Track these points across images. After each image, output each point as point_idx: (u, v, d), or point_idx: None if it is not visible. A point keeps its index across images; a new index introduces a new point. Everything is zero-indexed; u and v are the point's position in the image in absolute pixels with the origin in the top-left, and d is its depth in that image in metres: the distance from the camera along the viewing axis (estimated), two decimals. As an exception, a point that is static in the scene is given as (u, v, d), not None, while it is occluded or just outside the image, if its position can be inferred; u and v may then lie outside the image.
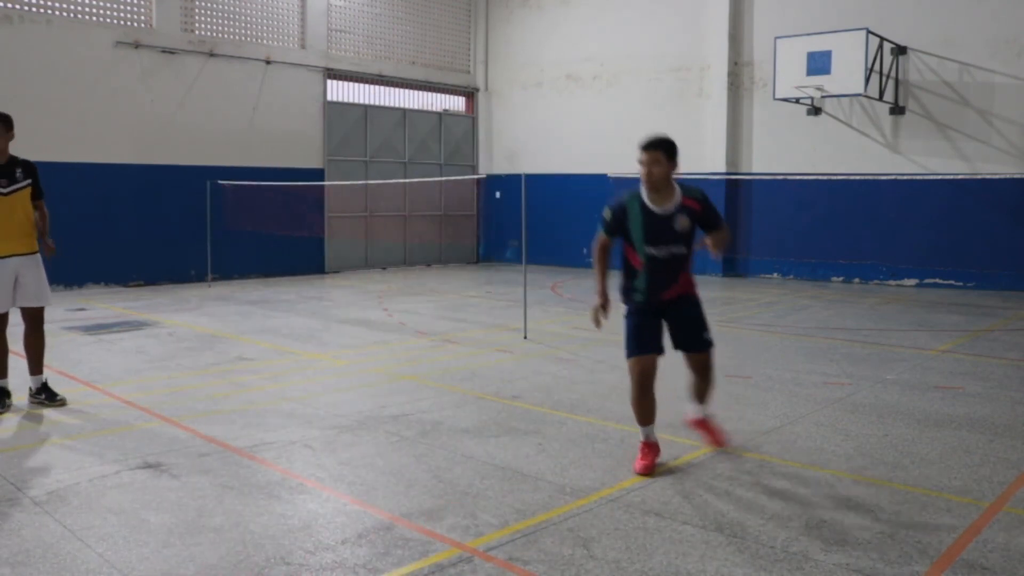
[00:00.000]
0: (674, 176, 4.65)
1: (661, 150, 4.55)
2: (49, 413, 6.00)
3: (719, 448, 5.01)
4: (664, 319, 4.81)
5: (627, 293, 4.83)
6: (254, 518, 4.03)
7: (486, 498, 4.30)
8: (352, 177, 17.69)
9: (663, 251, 4.64)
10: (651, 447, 4.83)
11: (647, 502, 4.25)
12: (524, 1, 19.61)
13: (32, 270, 6.13)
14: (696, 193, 4.70)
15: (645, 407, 4.78)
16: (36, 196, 6.21)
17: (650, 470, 4.69)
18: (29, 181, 6.12)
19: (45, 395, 6.20)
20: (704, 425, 5.10)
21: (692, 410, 5.09)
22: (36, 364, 6.24)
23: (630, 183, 16.72)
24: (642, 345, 4.72)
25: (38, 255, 6.21)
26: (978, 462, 4.91)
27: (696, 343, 4.85)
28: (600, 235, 4.84)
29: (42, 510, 4.12)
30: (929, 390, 6.76)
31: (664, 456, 5.01)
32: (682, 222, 4.61)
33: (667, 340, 4.89)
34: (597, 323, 4.80)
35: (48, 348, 6.54)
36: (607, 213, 4.74)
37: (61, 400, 6.20)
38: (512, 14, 19.87)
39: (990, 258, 13.71)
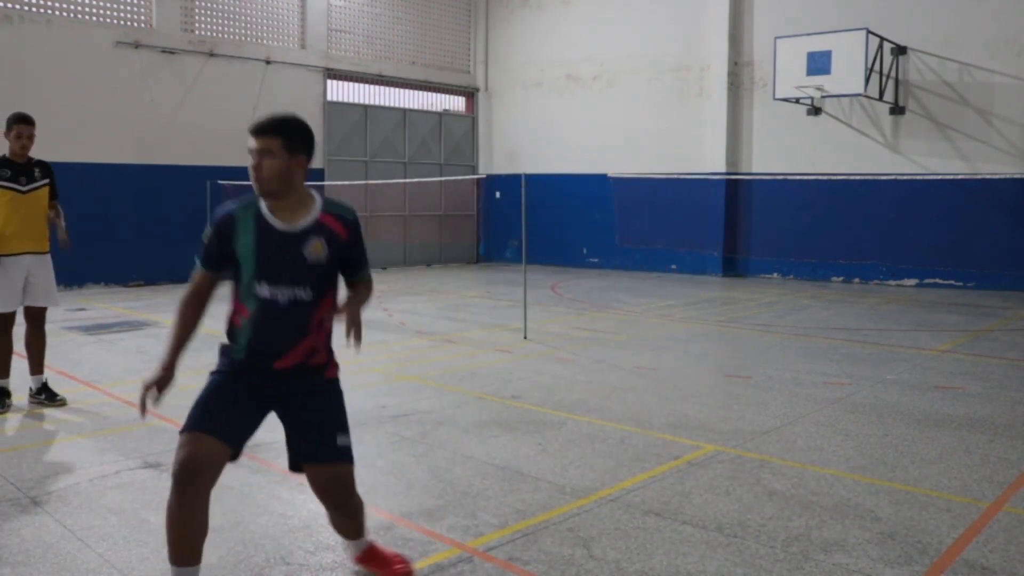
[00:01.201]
0: (308, 182, 3.13)
1: (278, 136, 2.97)
2: (49, 413, 6.00)
3: None
4: (277, 409, 3.13)
5: (223, 352, 3.15)
6: (254, 518, 4.03)
7: (486, 498, 4.30)
8: (352, 177, 17.69)
9: (282, 293, 3.01)
10: None
11: (647, 502, 4.25)
12: (524, 1, 19.62)
13: (43, 270, 6.18)
14: (345, 212, 3.12)
15: (181, 527, 2.89)
16: (52, 196, 6.29)
17: None
18: (47, 181, 6.21)
19: (45, 395, 6.20)
20: (373, 558, 3.40)
21: (348, 547, 3.44)
22: (37, 364, 6.24)
23: (630, 183, 16.60)
24: (205, 418, 2.95)
25: (49, 256, 6.24)
26: (978, 462, 4.91)
27: (324, 450, 3.10)
28: (195, 272, 3.13)
29: (42, 510, 4.12)
30: (929, 390, 6.76)
31: (664, 456, 5.01)
32: (315, 248, 3.02)
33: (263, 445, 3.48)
34: (142, 408, 3.02)
35: (48, 348, 6.53)
36: (207, 232, 3.09)
37: (61, 400, 6.20)
38: (512, 14, 19.88)
39: (990, 258, 13.71)
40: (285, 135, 2.99)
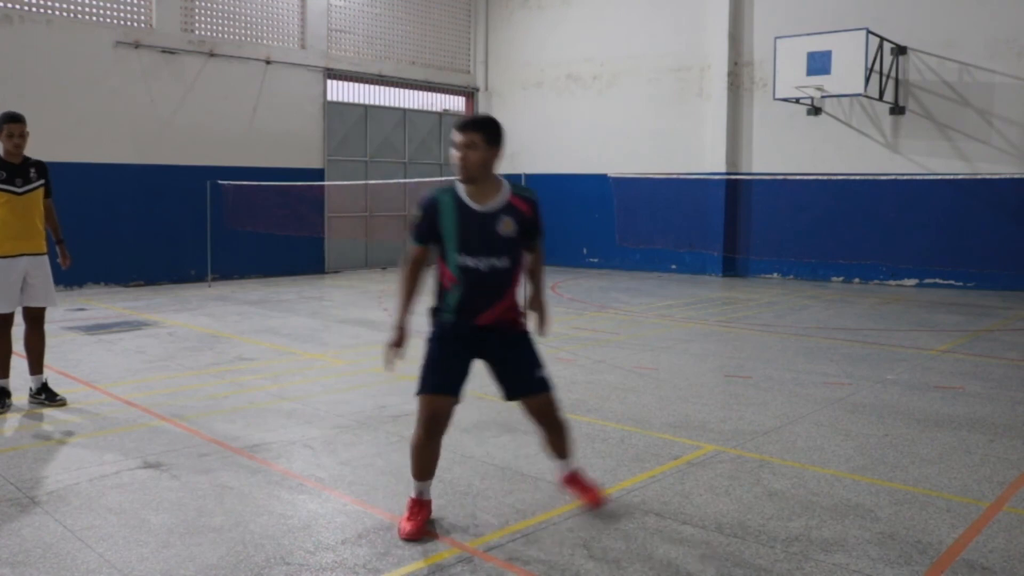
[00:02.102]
0: (498, 171, 3.78)
1: (480, 132, 3.64)
2: (49, 413, 6.00)
3: (595, 507, 4.10)
4: (483, 357, 3.89)
5: (434, 313, 3.89)
6: (254, 518, 4.03)
7: (486, 498, 4.30)
8: (352, 177, 17.70)
9: (482, 262, 3.69)
10: (422, 506, 3.92)
11: (647, 502, 4.25)
12: (524, 1, 19.62)
13: (41, 270, 6.17)
14: (528, 193, 3.83)
15: (426, 457, 3.88)
16: (46, 195, 6.26)
17: (418, 534, 3.77)
18: (43, 181, 6.18)
19: (45, 395, 6.20)
20: (575, 481, 4.16)
21: (556, 467, 4.20)
22: (36, 364, 6.24)
23: (630, 183, 16.63)
24: (439, 381, 3.80)
25: (46, 256, 6.23)
26: (978, 462, 4.91)
27: (528, 385, 3.88)
28: (410, 247, 3.84)
29: (42, 510, 4.12)
30: (929, 390, 6.76)
31: (664, 456, 5.01)
32: (506, 225, 3.70)
33: (477, 383, 4.19)
34: (388, 365, 3.88)
35: (48, 348, 6.54)
36: (417, 214, 3.78)
37: (61, 400, 6.20)
38: (512, 14, 19.88)
39: (990, 258, 13.71)
40: (485, 131, 3.65)
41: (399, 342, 3.86)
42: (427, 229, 3.75)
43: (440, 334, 3.84)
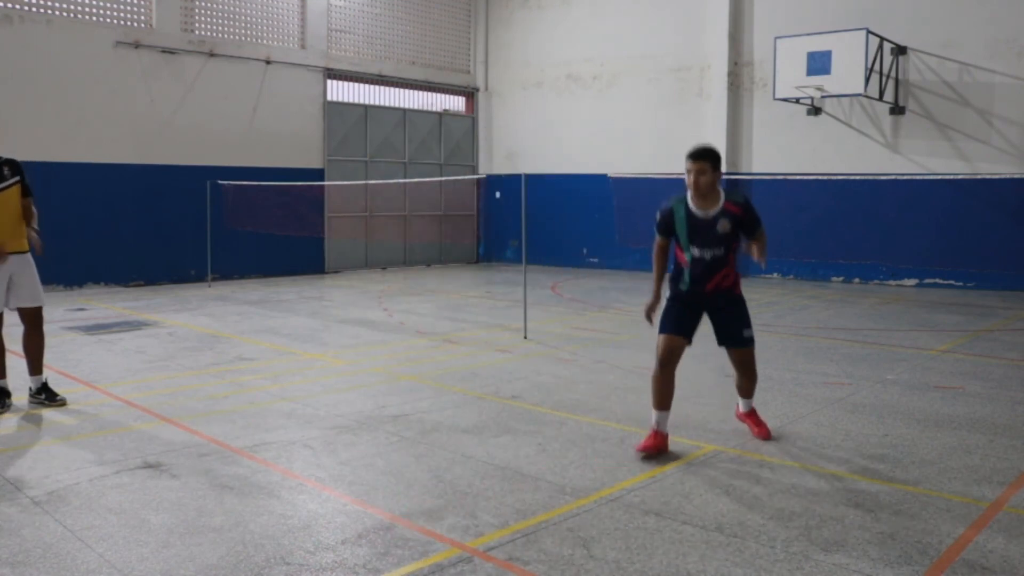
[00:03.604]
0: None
1: (708, 161, 4.88)
2: (49, 413, 6.00)
3: (763, 439, 5.29)
4: (708, 311, 5.14)
5: (674, 281, 5.18)
6: (254, 518, 4.03)
7: (486, 498, 4.30)
8: (352, 177, 17.69)
9: (706, 252, 4.98)
10: (658, 437, 5.01)
11: (647, 502, 4.25)
12: (524, 1, 19.62)
13: (25, 269, 6.10)
14: (739, 198, 5.00)
15: (663, 385, 5.02)
16: (25, 194, 6.13)
17: (652, 450, 4.92)
18: (17, 179, 6.06)
19: (45, 395, 6.20)
20: (750, 418, 5.45)
21: (740, 404, 5.48)
22: (35, 364, 6.23)
23: (631, 183, 16.62)
24: (675, 325, 5.06)
25: (29, 255, 6.17)
26: (978, 462, 4.91)
27: (736, 339, 5.14)
28: (656, 238, 5.18)
29: (42, 510, 4.12)
30: (929, 390, 6.76)
31: (663, 456, 5.01)
32: (723, 225, 4.93)
33: (705, 336, 5.23)
34: (649, 319, 5.23)
35: (48, 348, 6.54)
36: (658, 217, 5.11)
37: (61, 400, 6.20)
38: (512, 14, 19.88)
39: (990, 258, 13.70)
40: (711, 160, 4.91)
41: (655, 306, 5.16)
42: (665, 228, 5.09)
43: (677, 295, 5.14)
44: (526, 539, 3.78)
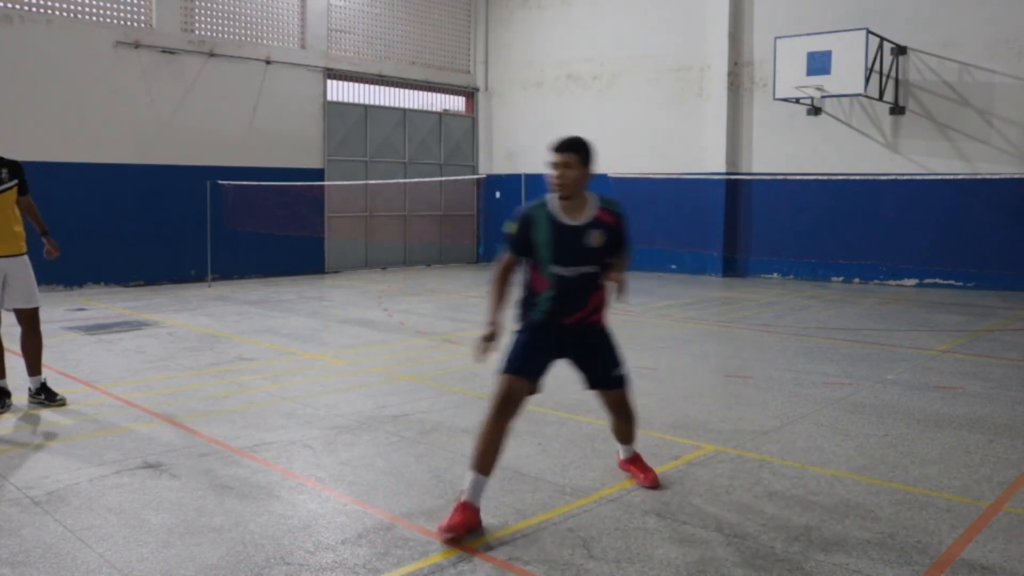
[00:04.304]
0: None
1: (575, 153, 3.95)
2: (48, 413, 6.00)
3: (651, 488, 4.39)
4: (566, 354, 4.19)
5: (525, 309, 4.18)
6: (254, 518, 4.03)
7: (486, 498, 4.29)
8: (352, 177, 17.69)
9: (572, 271, 4.02)
10: (467, 510, 3.82)
11: (647, 502, 4.25)
12: (524, 1, 19.62)
13: (20, 271, 6.08)
14: (614, 206, 4.10)
15: (492, 440, 3.89)
16: (22, 192, 6.10)
17: (459, 531, 3.73)
18: (15, 182, 6.05)
19: (44, 395, 6.20)
20: (634, 464, 4.57)
21: (620, 451, 4.64)
22: (34, 365, 6.23)
23: (630, 183, 16.66)
24: (520, 364, 4.01)
25: (25, 257, 6.15)
26: (978, 462, 4.91)
27: (607, 379, 4.26)
28: (503, 255, 4.15)
29: (42, 510, 4.12)
30: (929, 390, 6.76)
31: (664, 456, 5.01)
32: (595, 238, 4.01)
33: (555, 376, 4.36)
34: (479, 356, 4.03)
35: (48, 348, 6.54)
36: (511, 227, 4.08)
37: (61, 400, 6.20)
38: (512, 14, 19.88)
39: (990, 258, 13.71)
40: (580, 152, 3.97)
41: (492, 336, 4.02)
42: (521, 241, 4.05)
43: (529, 328, 4.14)
44: (526, 539, 3.78)
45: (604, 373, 4.25)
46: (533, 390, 4.03)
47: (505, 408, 3.92)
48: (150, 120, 14.66)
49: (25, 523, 3.96)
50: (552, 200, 4.01)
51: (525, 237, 4.03)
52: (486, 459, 3.89)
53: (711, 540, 3.78)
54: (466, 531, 3.76)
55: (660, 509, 4.15)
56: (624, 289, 4.14)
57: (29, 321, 6.21)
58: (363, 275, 17.12)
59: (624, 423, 4.44)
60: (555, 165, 3.95)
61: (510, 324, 4.15)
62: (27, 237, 6.22)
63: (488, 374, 7.55)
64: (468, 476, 3.90)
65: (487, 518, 4.01)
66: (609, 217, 4.06)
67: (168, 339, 9.09)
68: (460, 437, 5.39)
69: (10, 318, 6.28)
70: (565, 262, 4.00)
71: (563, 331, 4.12)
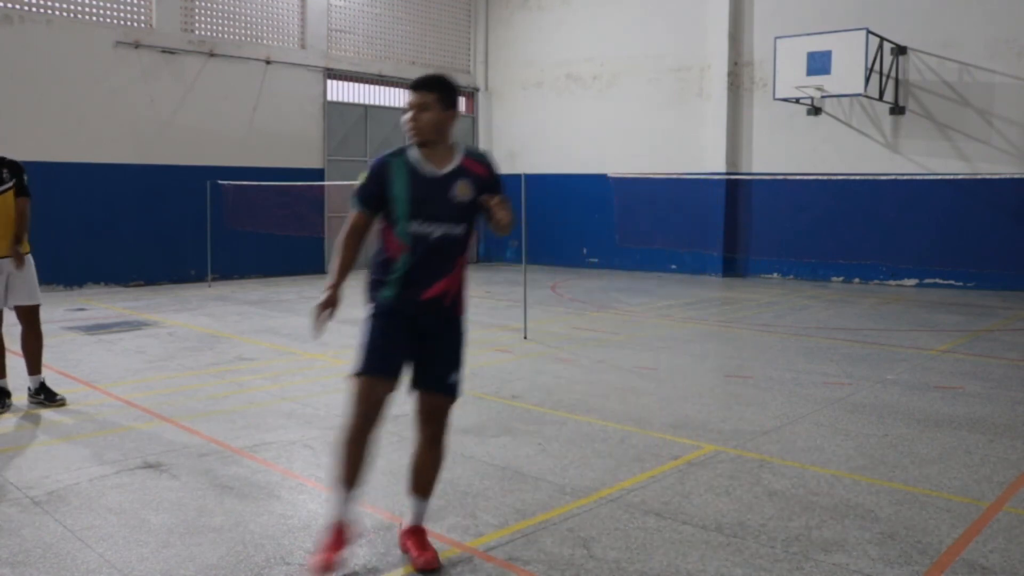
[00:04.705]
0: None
1: (434, 91, 3.41)
2: (48, 413, 6.00)
3: (426, 571, 3.43)
4: (420, 339, 3.50)
5: (374, 287, 3.53)
6: (254, 518, 4.03)
7: (486, 498, 4.30)
8: (352, 177, 17.64)
9: (435, 229, 3.41)
10: (341, 533, 3.40)
11: (647, 502, 4.25)
12: (524, 1, 19.62)
13: (22, 270, 6.10)
14: (482, 156, 3.58)
15: (357, 453, 3.38)
16: (18, 194, 6.05)
17: (328, 568, 3.31)
18: (14, 181, 6.02)
19: (44, 395, 6.20)
20: (413, 537, 3.57)
21: (408, 513, 3.63)
22: (34, 364, 6.23)
23: (631, 183, 16.58)
24: (379, 359, 3.40)
25: (28, 255, 6.16)
26: (978, 462, 4.91)
27: (437, 381, 3.50)
28: (353, 212, 3.54)
29: (42, 510, 4.12)
30: (929, 390, 6.76)
31: (664, 456, 5.01)
32: (462, 190, 3.43)
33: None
34: (316, 326, 3.51)
35: (48, 348, 6.53)
36: (363, 177, 3.53)
37: (61, 400, 6.20)
38: (512, 14, 19.88)
39: (990, 258, 13.70)
40: (440, 91, 3.43)
41: (331, 303, 3.48)
42: (375, 193, 3.46)
43: (381, 311, 3.47)
44: (526, 539, 3.78)
45: (437, 372, 3.49)
46: (392, 388, 3.41)
47: (365, 417, 3.35)
48: (150, 120, 14.65)
49: (25, 523, 3.96)
50: (412, 149, 3.48)
51: (379, 189, 3.46)
52: (354, 471, 3.38)
53: (711, 540, 3.78)
54: (342, 555, 3.38)
55: (660, 509, 4.15)
56: (505, 216, 3.42)
57: (29, 319, 6.20)
58: (363, 275, 17.10)
59: (429, 453, 3.56)
60: (410, 106, 3.42)
61: (363, 308, 3.56)
62: (29, 237, 6.21)
63: (488, 375, 7.57)
64: (335, 495, 3.40)
65: (488, 518, 4.01)
66: (478, 167, 3.50)
67: (168, 339, 9.09)
68: (460, 437, 5.39)
69: (11, 317, 6.28)
70: (425, 217, 3.40)
71: (419, 309, 3.45)
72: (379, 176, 3.47)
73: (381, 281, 3.50)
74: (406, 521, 3.64)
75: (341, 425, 3.43)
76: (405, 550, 3.57)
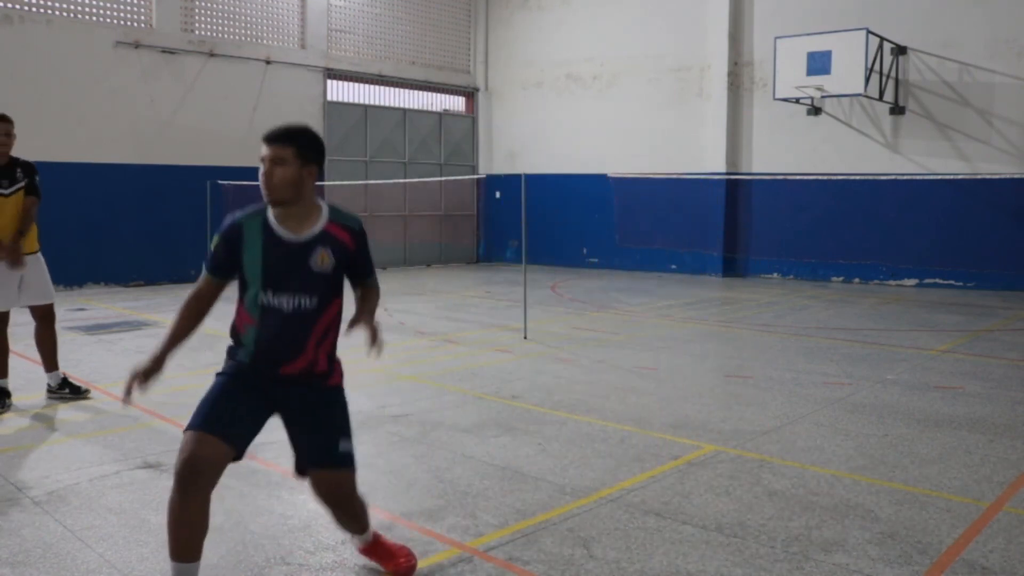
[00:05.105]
0: (318, 195, 3.18)
1: (290, 143, 3.04)
2: (48, 413, 6.00)
3: (403, 572, 3.40)
4: (279, 412, 3.18)
5: (232, 351, 3.26)
6: (254, 518, 4.03)
7: (486, 498, 4.30)
8: (352, 177, 17.69)
9: (287, 301, 3.08)
10: None
11: (647, 502, 4.25)
12: (524, 1, 19.62)
13: (36, 268, 6.16)
14: (351, 221, 3.18)
15: (184, 522, 2.93)
16: (27, 193, 6.07)
17: None
18: (26, 181, 6.06)
19: (69, 389, 6.27)
20: (375, 550, 3.46)
21: (355, 541, 3.49)
22: (51, 361, 6.30)
23: (631, 183, 16.63)
24: (213, 419, 3.01)
25: (39, 254, 6.22)
26: (978, 462, 4.91)
27: (327, 455, 3.15)
28: (201, 277, 3.22)
29: (42, 510, 4.12)
30: (929, 390, 6.76)
31: (664, 456, 5.01)
32: (321, 258, 3.08)
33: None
34: (126, 394, 3.10)
35: (49, 348, 6.54)
36: (216, 239, 3.16)
37: (85, 392, 6.29)
38: (512, 14, 19.88)
39: (990, 258, 13.71)
40: (298, 144, 3.05)
41: (148, 373, 3.09)
42: (225, 259, 3.12)
43: (232, 371, 3.19)
44: (526, 539, 3.78)
45: (326, 444, 3.14)
46: (229, 455, 2.98)
47: (189, 479, 2.89)
48: (150, 120, 14.66)
49: (25, 523, 3.96)
50: (270, 208, 3.11)
51: (232, 253, 3.09)
52: (186, 541, 2.95)
53: (711, 540, 3.78)
54: None
55: (660, 509, 4.15)
56: (377, 342, 3.20)
57: (44, 317, 6.27)
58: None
59: (349, 515, 3.31)
60: (264, 160, 3.04)
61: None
62: (39, 235, 6.26)
63: (488, 375, 7.57)
64: (173, 568, 2.99)
65: (488, 518, 4.01)
66: (342, 233, 3.13)
67: (168, 339, 9.08)
68: (460, 437, 5.39)
69: (17, 317, 6.29)
70: (277, 288, 3.07)
71: (276, 383, 3.13)
72: (230, 240, 3.10)
73: (235, 348, 3.23)
74: (358, 545, 3.47)
75: (169, 495, 2.97)
76: (372, 560, 3.46)
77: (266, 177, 3.02)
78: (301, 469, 3.22)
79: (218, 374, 3.22)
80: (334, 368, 3.25)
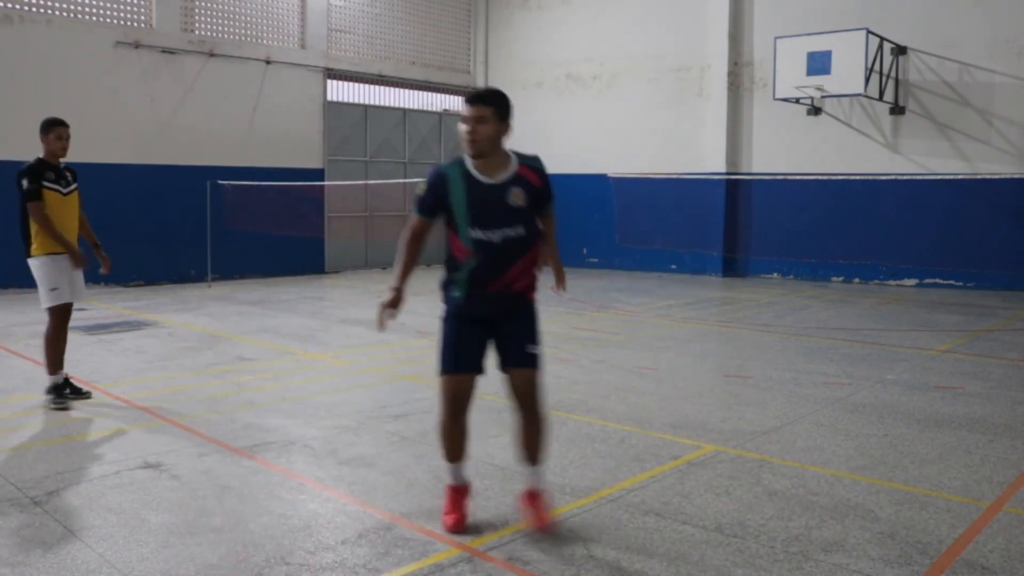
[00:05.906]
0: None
1: (490, 105, 3.64)
2: (48, 413, 6.01)
3: (542, 532, 3.82)
4: (493, 327, 3.87)
5: (445, 287, 3.89)
6: (254, 518, 4.03)
7: (486, 498, 4.30)
8: (352, 177, 17.69)
9: (495, 234, 3.68)
10: (460, 493, 3.95)
11: (647, 502, 4.25)
12: (524, 1, 19.62)
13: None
14: (535, 163, 3.82)
15: (455, 437, 3.88)
16: (32, 197, 6.37)
17: (460, 526, 3.83)
18: (76, 185, 6.57)
19: (70, 389, 6.33)
20: (532, 501, 3.91)
21: (524, 476, 4.00)
22: (57, 362, 6.42)
23: (631, 183, 16.62)
24: (460, 360, 3.81)
25: (43, 257, 6.36)
26: (978, 462, 4.91)
27: (516, 356, 3.82)
28: (413, 218, 3.84)
29: (42, 510, 4.12)
30: (929, 390, 6.76)
31: (664, 456, 5.01)
32: (516, 196, 3.69)
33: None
34: (380, 323, 3.85)
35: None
36: (422, 188, 3.76)
37: (87, 393, 6.35)
38: (512, 14, 19.88)
39: (990, 258, 13.71)
40: (496, 105, 3.67)
41: (395, 303, 3.85)
42: (433, 203, 3.73)
43: (454, 312, 3.84)
44: (526, 539, 3.78)
45: (515, 348, 3.82)
46: (475, 379, 3.86)
47: (456, 409, 3.83)
48: (150, 120, 14.65)
49: (25, 523, 3.96)
50: (468, 159, 3.69)
51: (437, 198, 3.71)
52: (458, 450, 3.92)
53: (711, 540, 3.78)
54: (466, 517, 3.89)
55: (660, 509, 4.15)
56: (561, 275, 4.12)
57: (68, 318, 6.58)
58: (363, 275, 17.12)
59: (530, 423, 3.88)
60: (466, 119, 3.61)
61: (438, 305, 3.99)
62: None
63: (488, 375, 7.55)
64: (448, 468, 3.95)
65: (488, 518, 4.02)
66: (532, 174, 3.75)
67: (168, 339, 9.09)
68: (460, 437, 5.39)
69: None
70: (486, 225, 3.66)
71: (487, 301, 3.79)
72: (436, 187, 3.71)
73: (451, 280, 3.82)
74: (525, 486, 3.97)
75: (438, 417, 3.91)
76: (525, 509, 3.92)
77: (471, 133, 3.60)
78: (503, 367, 3.85)
79: (443, 319, 3.90)
80: (531, 287, 3.86)
